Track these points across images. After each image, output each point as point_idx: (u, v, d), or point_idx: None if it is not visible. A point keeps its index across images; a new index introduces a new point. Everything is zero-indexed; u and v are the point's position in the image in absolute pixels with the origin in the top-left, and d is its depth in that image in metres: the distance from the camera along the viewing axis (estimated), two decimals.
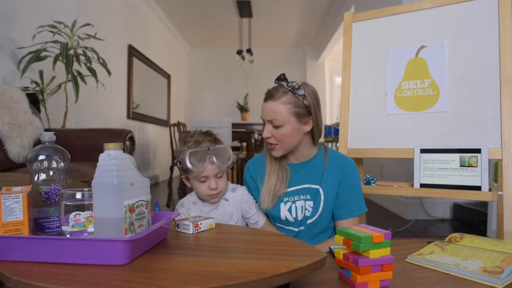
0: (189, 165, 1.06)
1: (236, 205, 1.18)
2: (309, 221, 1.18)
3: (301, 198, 1.20)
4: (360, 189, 1.21)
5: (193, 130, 1.21)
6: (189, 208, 1.19)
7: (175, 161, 1.17)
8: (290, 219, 1.20)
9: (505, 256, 0.87)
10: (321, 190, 1.18)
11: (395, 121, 1.51)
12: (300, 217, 1.19)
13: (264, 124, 1.17)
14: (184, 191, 4.23)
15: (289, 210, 1.20)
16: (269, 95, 1.13)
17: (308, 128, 1.15)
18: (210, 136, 1.15)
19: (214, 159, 1.09)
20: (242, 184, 1.29)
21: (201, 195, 1.16)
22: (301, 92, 1.11)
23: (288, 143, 1.15)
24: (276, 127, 1.12)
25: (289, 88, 1.11)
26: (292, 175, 1.21)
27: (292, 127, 1.12)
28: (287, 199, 1.20)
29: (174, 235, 0.87)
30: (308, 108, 1.13)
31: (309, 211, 1.18)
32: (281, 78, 1.14)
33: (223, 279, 0.56)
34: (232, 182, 1.26)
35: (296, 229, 1.20)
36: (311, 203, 1.18)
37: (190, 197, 1.22)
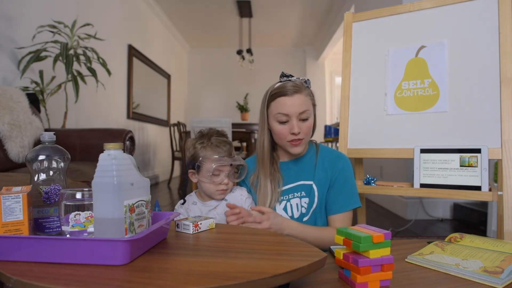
0: (210, 178, 1.11)
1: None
2: (305, 218, 1.18)
3: (295, 196, 1.19)
4: (352, 184, 1.20)
5: (207, 129, 1.19)
6: (188, 208, 1.20)
7: (188, 161, 1.16)
8: (286, 217, 1.19)
9: (505, 256, 0.87)
10: (314, 186, 1.18)
11: (395, 121, 1.51)
12: (296, 214, 1.19)
13: (283, 123, 1.13)
14: (184, 191, 4.23)
15: (285, 209, 1.19)
16: (296, 89, 1.12)
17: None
18: (228, 145, 1.15)
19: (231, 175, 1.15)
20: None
21: (209, 190, 1.15)
22: (310, 85, 1.17)
23: (309, 136, 1.19)
24: (304, 119, 1.13)
25: (306, 84, 1.16)
26: (285, 173, 1.21)
27: (312, 118, 1.17)
28: (282, 198, 1.20)
29: (174, 235, 0.87)
30: (314, 100, 1.19)
31: (305, 208, 1.18)
32: (288, 74, 1.16)
33: (223, 279, 0.56)
34: None
35: None
36: (306, 199, 1.18)
37: (190, 198, 1.22)
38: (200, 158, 1.12)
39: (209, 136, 1.15)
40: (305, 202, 1.18)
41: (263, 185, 1.18)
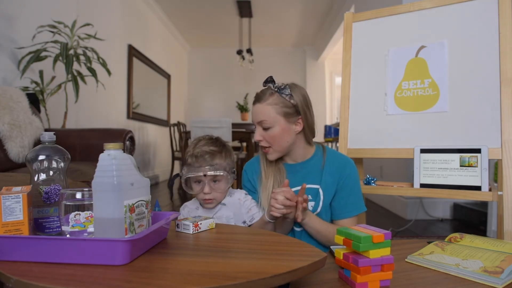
0: (187, 189, 1.15)
1: (234, 210, 1.17)
2: None
3: None
4: (359, 189, 1.21)
5: (201, 137, 1.19)
6: (190, 210, 1.21)
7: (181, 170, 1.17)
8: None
9: (505, 256, 0.87)
10: (320, 190, 1.18)
11: (395, 121, 1.51)
12: None
13: (255, 127, 1.19)
14: (184, 191, 4.23)
15: None
16: (257, 98, 1.16)
17: (299, 128, 1.16)
18: (208, 154, 1.11)
19: (210, 182, 1.12)
20: (241, 186, 1.29)
21: (197, 199, 1.16)
22: (287, 92, 1.13)
23: (279, 144, 1.15)
24: (265, 129, 1.14)
25: (275, 89, 1.13)
26: (291, 176, 1.21)
27: (281, 127, 1.13)
28: None
29: (174, 235, 0.87)
30: (296, 108, 1.14)
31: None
32: (268, 80, 1.16)
33: (223, 279, 0.56)
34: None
35: (299, 229, 1.20)
36: (312, 203, 1.18)
37: (194, 201, 1.22)
38: (183, 167, 1.14)
39: (197, 142, 1.16)
40: (310, 206, 1.19)
41: (265, 182, 1.20)
